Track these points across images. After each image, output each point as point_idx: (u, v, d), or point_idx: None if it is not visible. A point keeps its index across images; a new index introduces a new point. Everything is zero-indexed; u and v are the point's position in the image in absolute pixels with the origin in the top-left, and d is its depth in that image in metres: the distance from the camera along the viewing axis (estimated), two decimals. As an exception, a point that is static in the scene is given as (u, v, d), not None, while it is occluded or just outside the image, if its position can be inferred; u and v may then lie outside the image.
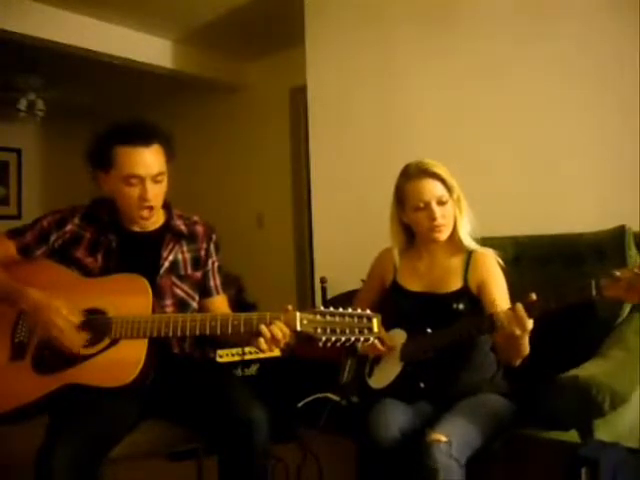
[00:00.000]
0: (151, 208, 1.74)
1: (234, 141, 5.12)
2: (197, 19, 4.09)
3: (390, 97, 3.09)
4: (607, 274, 1.47)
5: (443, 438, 1.53)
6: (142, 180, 1.69)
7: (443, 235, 1.84)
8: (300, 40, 3.45)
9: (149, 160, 1.70)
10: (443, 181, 1.81)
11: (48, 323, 1.60)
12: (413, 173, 1.84)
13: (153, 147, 1.71)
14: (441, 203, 1.81)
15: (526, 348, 1.66)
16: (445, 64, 2.89)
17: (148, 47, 4.34)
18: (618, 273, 1.45)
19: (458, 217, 1.85)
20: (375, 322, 1.53)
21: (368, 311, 1.55)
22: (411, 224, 1.89)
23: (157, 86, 4.95)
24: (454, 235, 1.86)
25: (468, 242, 1.86)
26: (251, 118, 4.93)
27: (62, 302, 1.62)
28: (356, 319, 1.53)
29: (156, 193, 1.73)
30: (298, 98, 4.32)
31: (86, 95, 5.42)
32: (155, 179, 1.71)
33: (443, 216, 1.82)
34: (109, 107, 5.27)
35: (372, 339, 1.55)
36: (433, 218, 1.80)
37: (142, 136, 1.71)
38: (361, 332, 1.52)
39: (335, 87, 3.31)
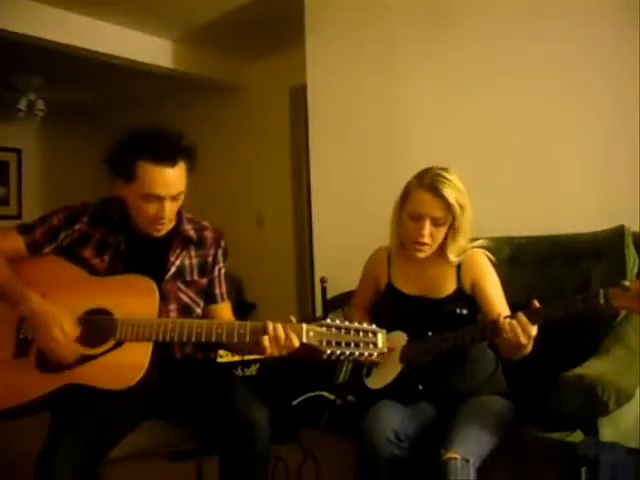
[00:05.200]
0: (165, 223, 1.72)
1: (234, 141, 5.12)
2: (197, 19, 4.09)
3: (390, 97, 3.09)
4: (616, 283, 1.45)
5: (459, 456, 1.52)
6: (161, 199, 1.66)
7: (422, 254, 1.80)
8: (300, 40, 3.46)
9: (172, 181, 1.65)
10: (449, 206, 1.74)
11: (45, 333, 1.59)
12: (425, 183, 1.76)
13: (178, 166, 1.66)
14: (435, 224, 1.76)
15: (529, 349, 1.64)
16: (445, 64, 2.89)
17: (148, 47, 4.34)
18: (627, 283, 1.44)
19: (450, 241, 1.80)
20: (380, 338, 1.56)
21: (374, 326, 1.57)
22: (402, 227, 1.86)
23: (157, 86, 4.95)
24: (442, 249, 1.82)
25: (456, 260, 1.83)
26: (251, 118, 4.93)
27: (62, 311, 1.61)
28: (361, 334, 1.55)
29: (173, 210, 1.71)
30: (298, 98, 4.32)
31: (86, 95, 5.42)
32: (174, 198, 1.69)
33: (431, 235, 1.77)
34: (109, 107, 5.28)
35: (376, 355, 1.57)
36: (420, 234, 1.76)
37: (169, 154, 1.65)
38: (366, 346, 1.55)
39: (335, 87, 3.31)
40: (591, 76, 2.48)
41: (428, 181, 1.75)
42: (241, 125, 5.02)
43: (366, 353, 1.55)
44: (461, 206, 1.75)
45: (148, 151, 1.64)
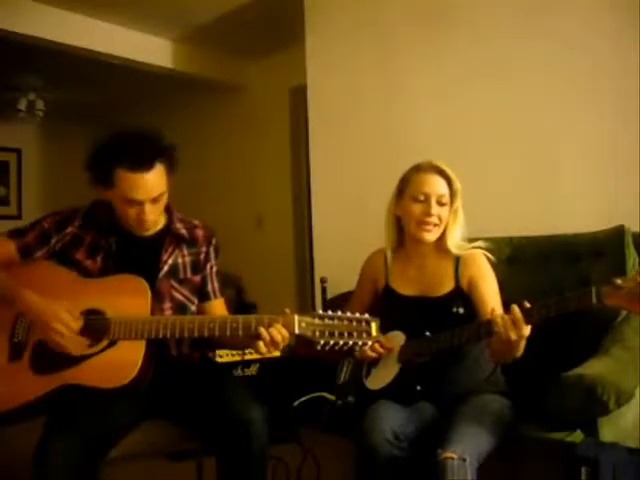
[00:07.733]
0: (148, 224, 1.74)
1: (234, 141, 5.12)
2: (197, 19, 4.09)
3: (390, 97, 3.09)
4: (608, 282, 1.43)
5: (456, 455, 1.51)
6: (141, 203, 1.67)
7: (431, 235, 1.83)
8: (300, 40, 3.45)
9: (150, 185, 1.66)
10: (450, 183, 1.82)
11: (47, 327, 1.59)
12: (424, 167, 1.85)
13: (155, 170, 1.66)
14: (440, 203, 1.81)
15: (519, 352, 1.64)
16: (445, 64, 2.89)
17: (148, 47, 4.34)
18: (619, 281, 1.42)
19: (450, 226, 1.84)
20: (374, 326, 1.54)
21: (367, 315, 1.55)
22: (403, 216, 1.87)
23: (157, 86, 4.94)
24: (442, 240, 1.85)
25: (456, 251, 1.85)
26: (251, 118, 4.93)
27: (62, 305, 1.62)
28: (355, 323, 1.53)
29: (155, 211, 1.72)
30: (298, 98, 4.32)
31: (86, 95, 5.42)
32: (155, 200, 1.69)
33: (438, 215, 1.81)
34: (109, 107, 5.28)
35: (370, 343, 1.56)
36: (428, 213, 1.80)
37: (145, 160, 1.65)
38: (359, 336, 1.53)
39: (335, 87, 3.30)
40: (591, 76, 2.48)
41: (426, 165, 1.85)
42: (241, 125, 5.01)
43: (360, 342, 1.53)
44: (457, 184, 1.84)
45: (124, 158, 1.64)
